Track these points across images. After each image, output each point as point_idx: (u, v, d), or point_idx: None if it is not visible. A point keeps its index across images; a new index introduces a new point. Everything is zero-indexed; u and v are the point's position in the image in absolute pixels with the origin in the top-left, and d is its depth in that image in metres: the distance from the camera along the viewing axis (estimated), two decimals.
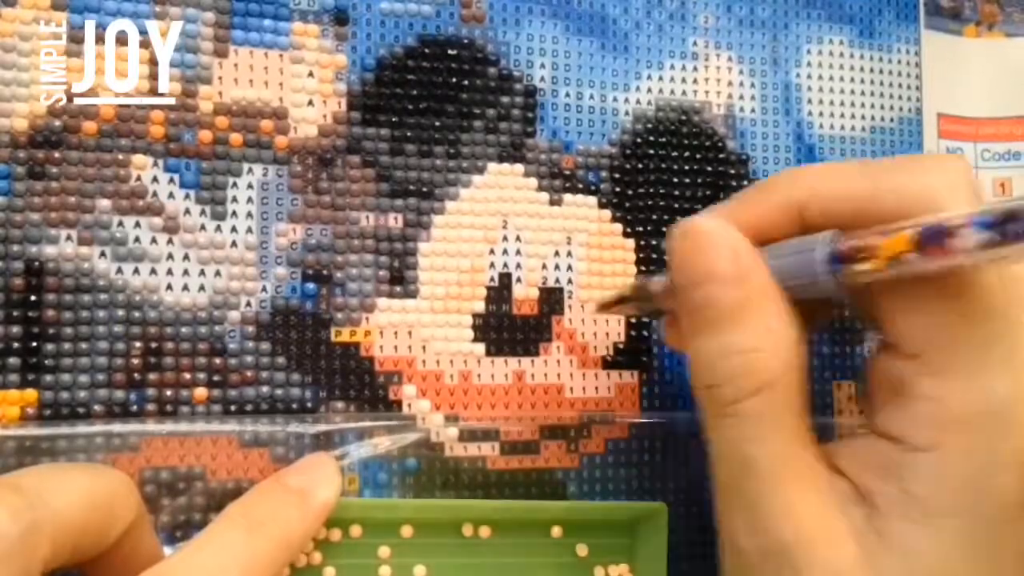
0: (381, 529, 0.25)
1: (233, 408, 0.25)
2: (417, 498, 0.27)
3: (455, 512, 0.26)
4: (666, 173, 0.30)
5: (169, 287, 0.25)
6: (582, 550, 0.26)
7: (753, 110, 0.31)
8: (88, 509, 0.19)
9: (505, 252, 0.28)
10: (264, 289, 0.26)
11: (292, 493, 0.24)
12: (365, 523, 0.25)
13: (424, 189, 0.28)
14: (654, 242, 0.30)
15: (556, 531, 0.26)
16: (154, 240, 0.25)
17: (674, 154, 0.30)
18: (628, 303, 0.26)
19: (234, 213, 0.26)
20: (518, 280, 0.28)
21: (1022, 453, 0.19)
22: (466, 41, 0.28)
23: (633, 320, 0.29)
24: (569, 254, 0.29)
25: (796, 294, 0.21)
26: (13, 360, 0.24)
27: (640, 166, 0.30)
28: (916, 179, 0.20)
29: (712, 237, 0.21)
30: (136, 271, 0.25)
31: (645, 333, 0.29)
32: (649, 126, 0.30)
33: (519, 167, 0.29)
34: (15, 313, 0.24)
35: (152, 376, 0.25)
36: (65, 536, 0.19)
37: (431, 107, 0.28)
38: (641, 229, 0.29)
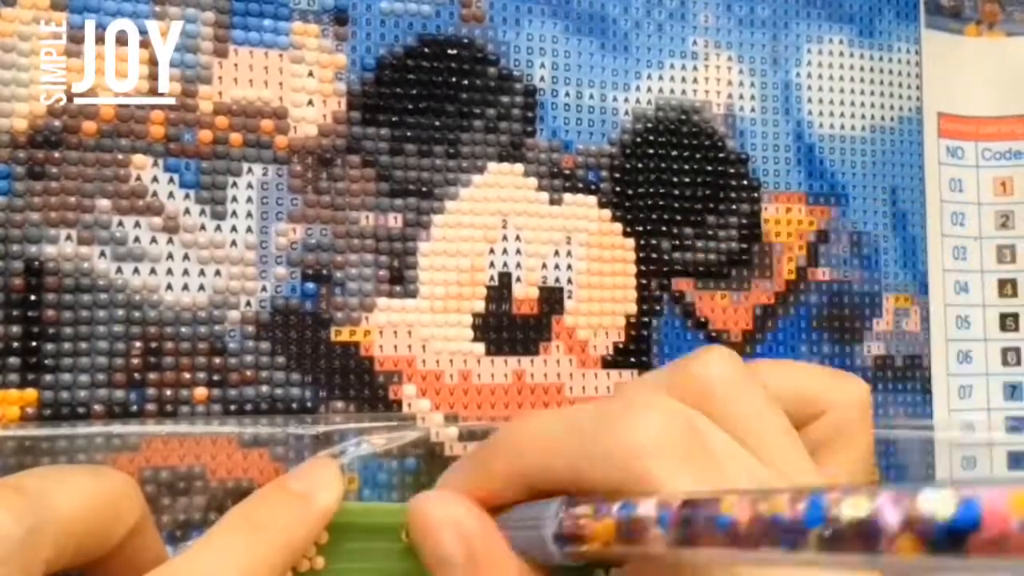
0: (383, 533, 0.25)
1: (233, 408, 0.26)
2: None
3: None
4: (666, 173, 0.30)
5: (169, 287, 0.25)
6: None
7: (753, 109, 0.31)
8: (91, 511, 0.19)
9: (505, 252, 0.28)
10: (264, 289, 0.26)
11: (294, 497, 0.24)
12: (367, 527, 0.25)
13: (424, 189, 0.28)
14: (654, 242, 0.30)
15: None
16: (154, 240, 0.25)
17: (674, 153, 0.30)
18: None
19: (234, 213, 0.26)
20: (518, 280, 0.28)
21: None
22: (466, 41, 0.28)
23: (633, 320, 0.29)
24: (569, 254, 0.29)
25: (544, 561, 0.20)
26: (13, 360, 0.24)
27: (640, 166, 0.30)
28: (625, 440, 0.19)
29: (436, 516, 0.21)
30: (136, 271, 0.25)
31: (645, 333, 0.29)
32: (649, 126, 0.30)
33: (519, 167, 0.29)
34: (15, 313, 0.24)
35: (152, 376, 0.25)
36: (68, 538, 0.19)
37: (431, 107, 0.28)
38: (641, 229, 0.29)
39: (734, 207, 0.30)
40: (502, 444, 0.22)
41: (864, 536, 0.12)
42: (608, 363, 0.29)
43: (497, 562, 0.20)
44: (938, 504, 0.11)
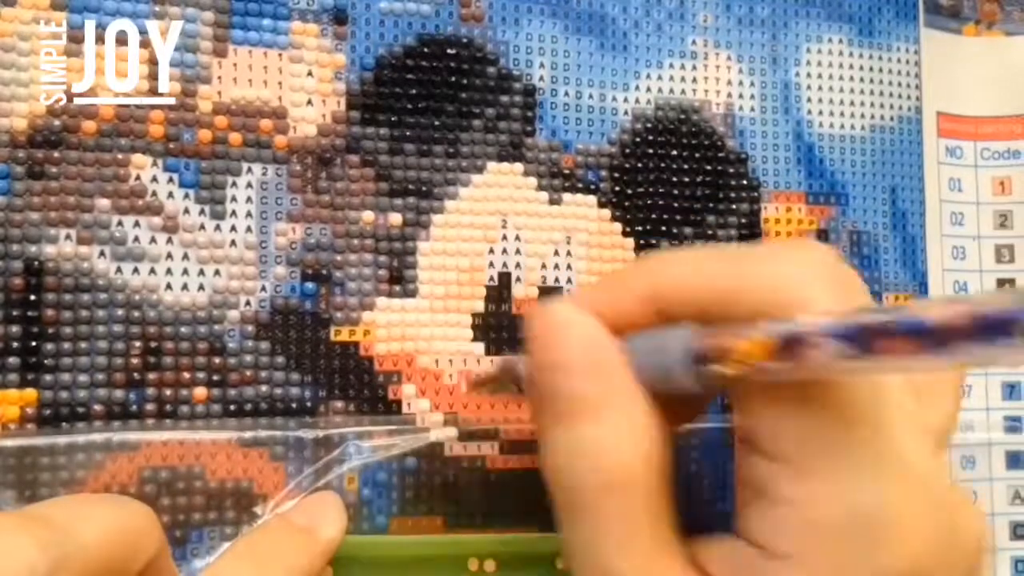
0: (387, 566, 0.25)
1: (232, 408, 0.26)
2: (416, 499, 0.27)
3: (460, 547, 0.26)
4: (666, 172, 0.30)
5: (169, 287, 0.25)
6: None
7: (752, 109, 0.31)
8: (114, 543, 0.19)
9: (504, 251, 0.28)
10: (263, 288, 0.26)
11: (297, 531, 0.24)
12: (371, 560, 0.25)
13: (423, 188, 0.28)
14: (653, 241, 0.30)
15: (561, 563, 0.26)
16: (153, 240, 0.25)
17: (673, 153, 0.30)
18: (500, 383, 0.25)
19: (233, 212, 0.26)
20: (517, 279, 0.28)
21: (892, 567, 0.18)
22: (465, 40, 0.28)
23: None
24: (569, 253, 0.29)
25: (659, 388, 0.20)
26: (12, 360, 0.24)
27: (640, 165, 0.30)
28: (775, 270, 0.19)
29: (567, 324, 0.20)
30: (136, 271, 0.25)
31: None
32: (648, 125, 0.30)
33: (518, 166, 0.29)
34: (15, 313, 0.24)
35: (152, 375, 0.25)
36: (90, 571, 0.19)
37: (430, 106, 0.28)
38: (641, 228, 0.29)
39: (734, 207, 0.30)
40: (642, 264, 0.22)
41: None
42: None
43: (619, 378, 0.20)
44: None
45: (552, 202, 0.29)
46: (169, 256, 0.25)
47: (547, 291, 0.28)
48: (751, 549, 0.19)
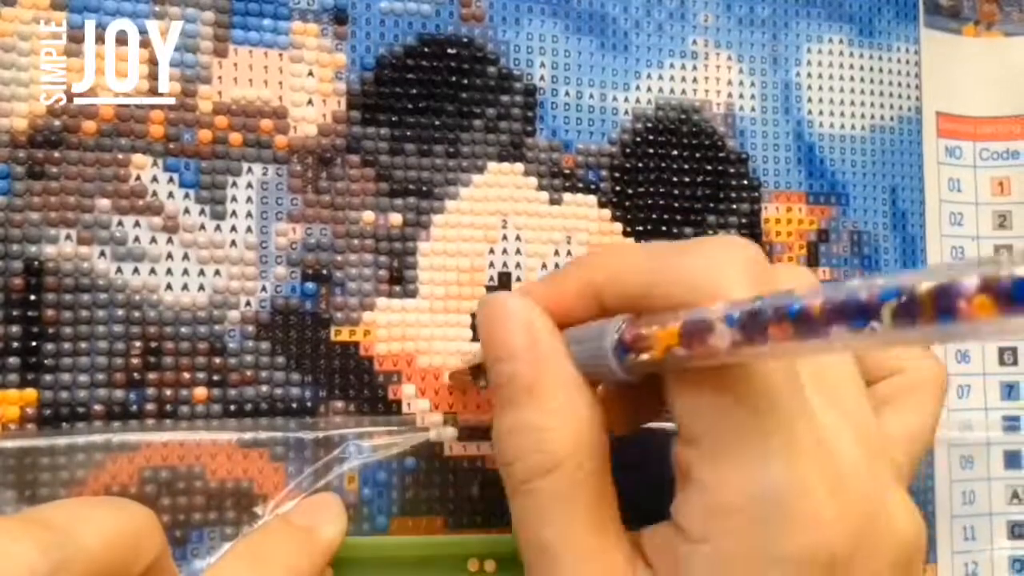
0: (387, 566, 0.25)
1: (233, 408, 0.26)
2: (416, 499, 0.27)
3: (460, 547, 0.26)
4: (666, 172, 0.30)
5: (169, 287, 0.25)
6: None
7: (753, 109, 0.31)
8: (115, 546, 0.19)
9: (505, 251, 0.28)
10: (264, 289, 0.26)
11: (298, 531, 0.24)
12: (371, 561, 0.25)
13: (424, 188, 0.28)
14: (654, 241, 0.30)
15: None
16: (154, 240, 0.25)
17: (674, 153, 0.30)
18: (476, 373, 0.26)
19: (234, 213, 0.26)
20: (518, 279, 0.28)
21: (797, 550, 0.18)
22: (466, 40, 0.28)
23: None
24: (569, 253, 0.29)
25: (598, 377, 0.21)
26: (13, 360, 0.24)
27: (640, 165, 0.30)
28: (695, 262, 0.19)
29: (510, 313, 0.21)
30: (136, 271, 0.25)
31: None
32: (649, 125, 0.30)
33: (519, 166, 0.29)
34: (15, 313, 0.24)
35: (152, 376, 0.25)
36: (91, 573, 0.19)
37: (431, 106, 0.28)
38: (641, 228, 0.29)
39: (734, 207, 0.30)
40: (579, 260, 0.23)
41: (939, 302, 0.12)
42: None
43: (558, 364, 0.21)
44: (1019, 266, 0.12)
45: (552, 202, 0.29)
46: (169, 256, 0.25)
47: None
48: (674, 532, 0.20)
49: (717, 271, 0.19)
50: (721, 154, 0.31)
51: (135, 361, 0.25)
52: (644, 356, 0.19)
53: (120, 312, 0.25)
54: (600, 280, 0.21)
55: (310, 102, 0.27)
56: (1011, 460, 0.33)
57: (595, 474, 0.20)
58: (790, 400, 0.18)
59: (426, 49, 0.28)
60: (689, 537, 0.19)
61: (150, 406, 0.25)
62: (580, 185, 0.29)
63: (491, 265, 0.28)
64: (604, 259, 0.22)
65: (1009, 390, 0.33)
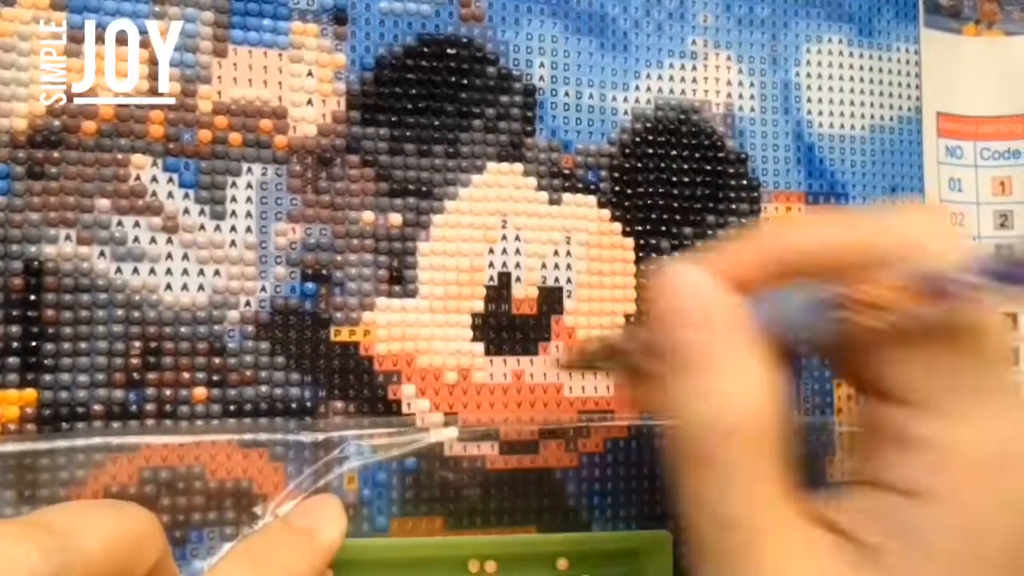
0: (388, 568, 0.25)
1: (232, 408, 0.26)
2: (416, 499, 0.27)
3: (461, 548, 0.26)
4: (665, 172, 0.30)
5: (168, 287, 0.25)
6: None
7: (752, 109, 0.31)
8: (116, 549, 0.19)
9: (504, 251, 0.28)
10: (263, 289, 0.26)
11: (298, 533, 0.24)
12: (372, 563, 0.25)
13: (423, 188, 0.28)
14: (653, 241, 0.30)
15: (562, 563, 0.26)
16: (153, 240, 0.25)
17: (673, 153, 0.30)
18: (597, 361, 0.26)
19: (233, 213, 0.26)
20: (517, 279, 0.28)
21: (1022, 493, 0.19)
22: (465, 40, 0.28)
23: (633, 319, 0.29)
24: (568, 253, 0.29)
25: (785, 342, 0.21)
26: (12, 360, 0.24)
27: (639, 165, 0.30)
28: (897, 224, 0.20)
29: (683, 279, 0.21)
30: (135, 271, 0.25)
31: None
32: (648, 125, 0.30)
33: (518, 166, 0.29)
34: (14, 313, 0.24)
35: (151, 376, 0.25)
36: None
37: (430, 106, 0.28)
38: (640, 228, 0.29)
39: (734, 207, 0.30)
40: (765, 230, 0.23)
41: None
42: None
43: (735, 332, 0.20)
44: None
45: (552, 202, 0.29)
46: (169, 256, 0.25)
47: (547, 291, 0.28)
48: (891, 495, 0.19)
49: (928, 232, 0.20)
50: (721, 154, 0.31)
51: (135, 361, 0.25)
52: (863, 316, 0.19)
53: (120, 312, 0.25)
54: (791, 249, 0.21)
55: (310, 102, 0.27)
56: None
57: (776, 442, 0.20)
58: (1006, 356, 0.20)
59: (426, 49, 0.28)
60: (921, 496, 0.19)
61: (150, 406, 0.25)
62: (580, 185, 0.29)
63: (491, 265, 0.28)
64: (791, 230, 0.22)
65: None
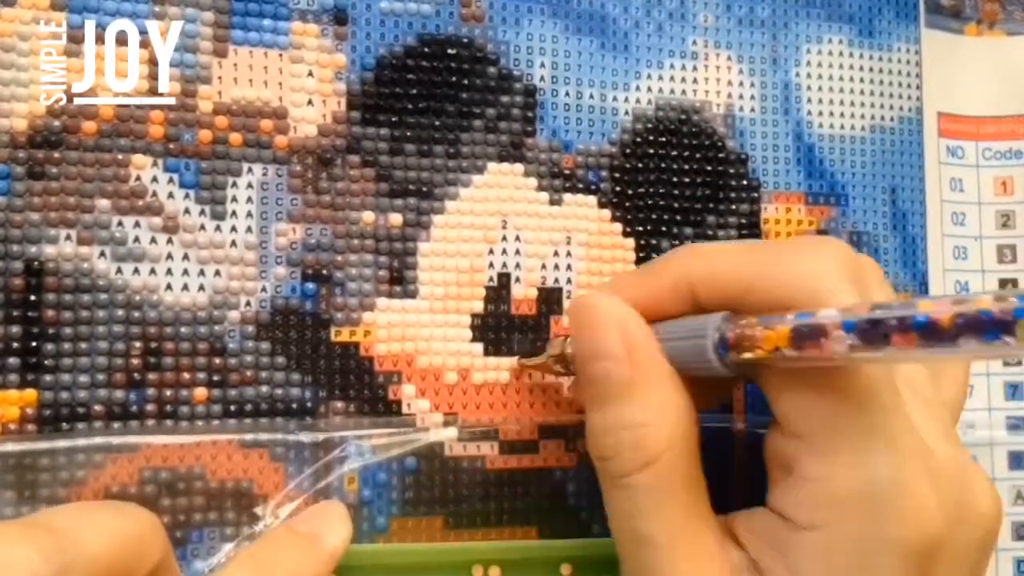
0: (392, 573, 0.25)
1: (233, 408, 0.26)
2: (416, 500, 0.27)
3: (464, 554, 0.26)
4: (666, 173, 0.30)
5: (169, 287, 0.25)
6: None
7: (753, 109, 0.31)
8: (117, 550, 0.19)
9: (504, 252, 0.28)
10: (264, 289, 0.26)
11: (302, 539, 0.24)
12: (376, 568, 0.25)
13: (424, 189, 0.28)
14: (654, 242, 0.30)
15: (565, 569, 0.26)
16: (154, 240, 0.25)
17: (674, 153, 0.30)
18: (551, 364, 0.26)
19: (234, 213, 0.26)
20: (517, 280, 0.28)
21: (903, 538, 0.19)
22: (466, 40, 0.28)
23: None
24: (569, 254, 0.29)
25: (690, 372, 0.22)
26: (13, 360, 0.24)
27: (640, 166, 0.30)
28: (798, 264, 0.21)
29: (602, 313, 0.22)
30: (136, 271, 0.25)
31: None
32: (649, 125, 0.30)
33: (519, 167, 0.29)
34: (15, 313, 0.24)
35: (152, 376, 0.25)
36: None
37: (431, 107, 0.28)
38: (641, 229, 0.29)
39: (734, 207, 0.30)
40: (675, 255, 0.23)
41: None
42: None
43: (653, 362, 0.21)
44: None
45: (552, 202, 0.29)
46: (169, 256, 0.25)
47: (547, 292, 0.28)
48: (779, 521, 0.21)
49: (818, 272, 0.20)
50: (721, 154, 0.31)
51: (135, 361, 0.25)
52: (747, 355, 0.20)
53: (120, 312, 0.25)
54: (695, 277, 0.22)
55: (310, 102, 0.27)
56: (1015, 461, 0.33)
57: (690, 466, 0.21)
58: (890, 398, 0.20)
59: (426, 49, 0.28)
60: (796, 525, 0.20)
61: (150, 406, 0.25)
62: (580, 185, 0.29)
63: (491, 266, 0.28)
64: (698, 257, 0.23)
65: (1013, 390, 0.33)
